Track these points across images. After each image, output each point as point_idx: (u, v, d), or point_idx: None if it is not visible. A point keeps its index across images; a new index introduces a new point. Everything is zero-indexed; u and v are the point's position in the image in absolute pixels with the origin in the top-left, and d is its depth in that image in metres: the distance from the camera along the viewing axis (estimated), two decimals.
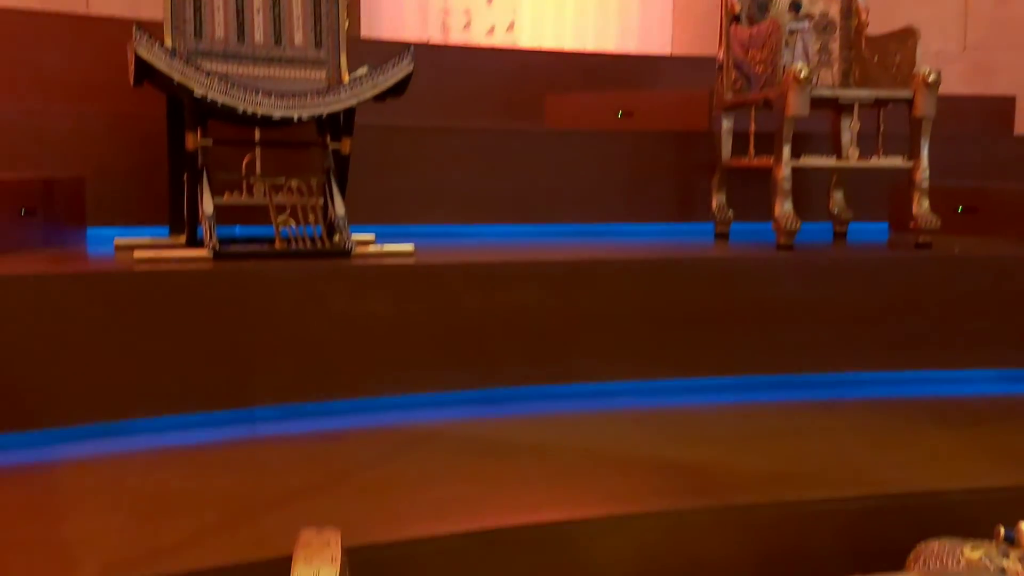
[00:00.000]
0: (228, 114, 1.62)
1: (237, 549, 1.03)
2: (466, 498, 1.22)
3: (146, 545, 1.04)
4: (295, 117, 1.66)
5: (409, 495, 1.23)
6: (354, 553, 1.03)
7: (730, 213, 2.23)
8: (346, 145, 1.78)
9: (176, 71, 1.56)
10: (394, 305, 1.62)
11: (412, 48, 1.74)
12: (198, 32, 1.74)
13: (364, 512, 1.16)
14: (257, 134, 1.86)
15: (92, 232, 1.91)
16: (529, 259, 1.78)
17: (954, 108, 2.46)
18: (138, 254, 1.60)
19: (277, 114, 1.63)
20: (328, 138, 1.77)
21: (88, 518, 1.12)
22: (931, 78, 1.92)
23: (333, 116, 1.74)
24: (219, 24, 1.76)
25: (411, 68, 1.72)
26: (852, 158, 2.13)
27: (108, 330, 1.42)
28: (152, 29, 1.62)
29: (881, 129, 2.11)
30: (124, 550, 1.03)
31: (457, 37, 3.59)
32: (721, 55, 2.18)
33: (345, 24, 1.86)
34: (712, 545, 1.19)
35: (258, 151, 1.86)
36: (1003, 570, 1.04)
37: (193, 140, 1.64)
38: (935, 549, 1.11)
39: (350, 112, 1.74)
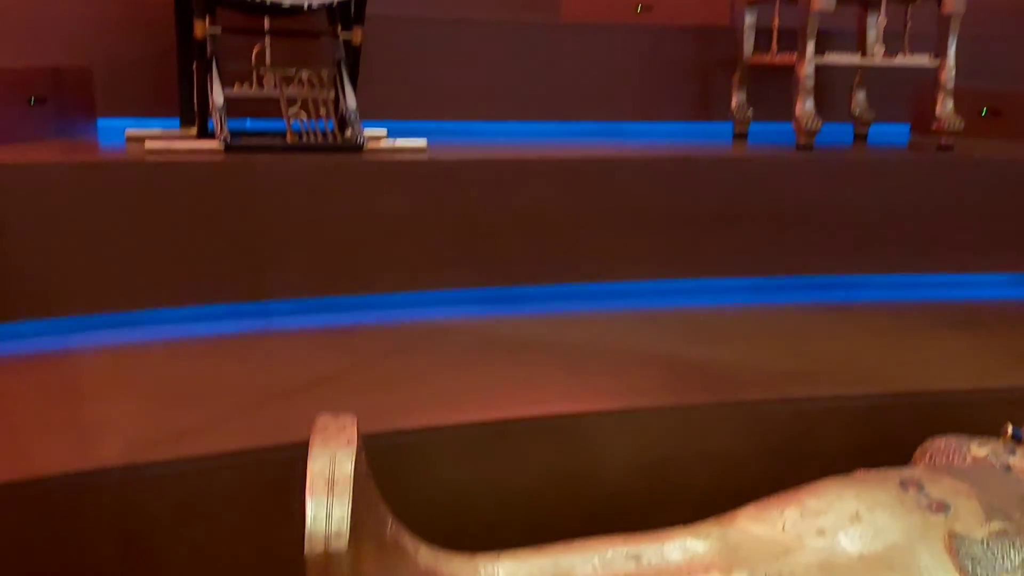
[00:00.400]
0: (237, 1, 1.58)
1: (255, 433, 1.05)
2: (479, 391, 1.24)
3: (167, 428, 1.06)
4: (305, 4, 1.62)
5: (422, 387, 1.24)
6: (369, 440, 1.06)
7: (750, 112, 2.19)
8: (357, 35, 1.73)
9: None
10: (406, 201, 1.60)
11: None
12: None
13: (378, 402, 1.18)
14: (267, 23, 1.82)
15: (102, 123, 1.89)
16: (543, 157, 1.76)
17: (985, 5, 2.37)
18: (149, 145, 1.58)
19: (287, 0, 1.59)
20: (339, 28, 1.73)
21: (109, 403, 1.15)
22: None
23: (344, 4, 1.69)
24: None
25: None
26: (877, 56, 2.06)
27: (121, 220, 1.42)
28: None
29: (908, 27, 2.04)
30: (145, 432, 1.05)
31: None
32: None
33: None
34: (720, 439, 1.21)
35: (268, 40, 1.82)
36: (1009, 467, 1.05)
37: (202, 28, 1.60)
38: (942, 446, 1.12)
39: (361, 0, 1.70)
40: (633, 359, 1.37)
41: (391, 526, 0.89)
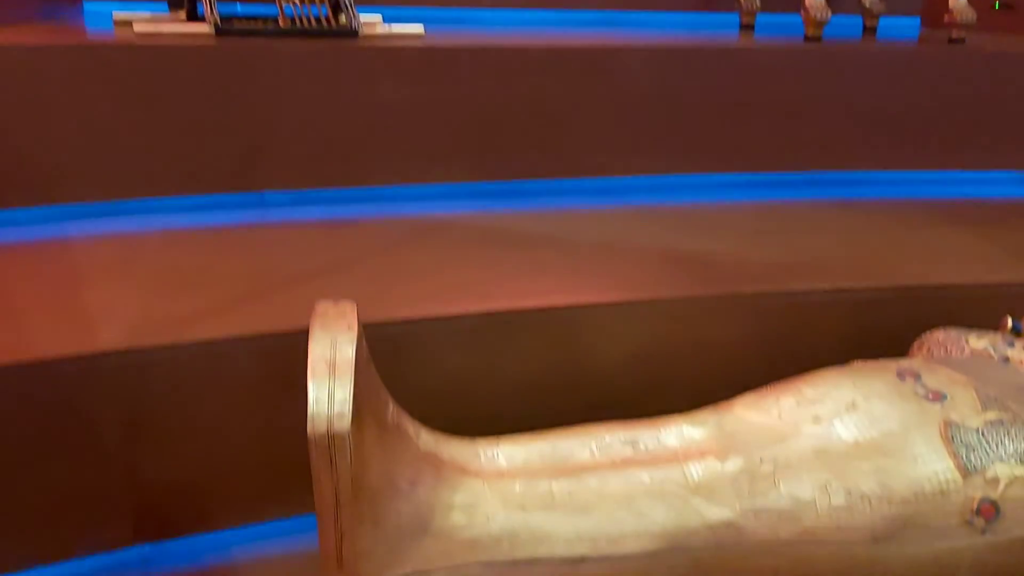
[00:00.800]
0: None
1: (255, 320, 1.05)
2: (478, 283, 1.23)
3: (166, 314, 1.06)
4: None
5: (421, 279, 1.24)
6: (369, 329, 1.06)
7: (757, 3, 2.11)
8: None
9: None
10: (403, 90, 1.56)
11: None
12: None
13: (377, 293, 1.17)
14: None
15: (88, 7, 1.82)
16: (544, 46, 1.70)
17: None
18: (137, 28, 1.53)
19: None
20: None
21: (106, 290, 1.14)
22: None
23: None
24: None
25: None
26: None
27: (111, 105, 1.38)
28: None
29: None
30: (145, 318, 1.05)
31: None
32: None
33: None
34: (718, 330, 1.22)
35: None
36: (1007, 359, 1.06)
37: None
38: (940, 338, 1.13)
39: None
40: (633, 253, 1.36)
41: (392, 410, 0.90)
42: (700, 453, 0.94)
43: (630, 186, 1.68)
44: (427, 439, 0.93)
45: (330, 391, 0.77)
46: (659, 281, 1.26)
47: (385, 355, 1.08)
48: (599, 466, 0.94)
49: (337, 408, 0.77)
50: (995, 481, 0.89)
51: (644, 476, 0.91)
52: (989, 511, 0.88)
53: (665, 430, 0.99)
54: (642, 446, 0.97)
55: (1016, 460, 0.90)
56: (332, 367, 0.79)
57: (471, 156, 1.59)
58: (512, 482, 0.90)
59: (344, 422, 0.76)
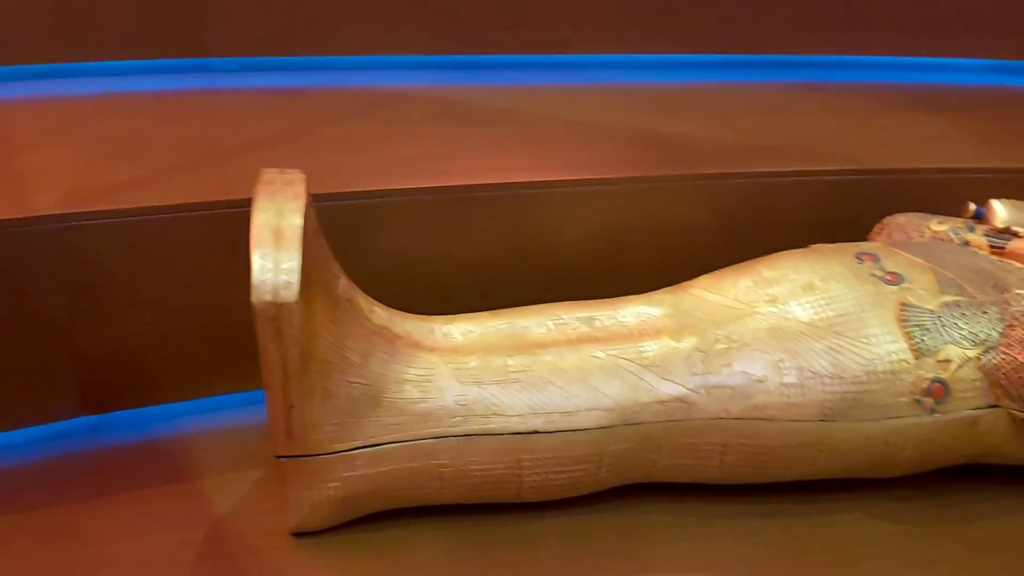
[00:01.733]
0: None
1: (199, 189, 1.00)
2: (436, 158, 1.19)
3: (105, 181, 1.01)
4: None
5: (377, 151, 1.19)
6: (320, 201, 1.02)
7: None
8: None
9: None
10: None
11: None
12: None
13: (330, 164, 1.13)
14: None
15: None
16: None
17: None
18: None
19: None
20: None
21: (44, 155, 1.08)
22: None
23: None
24: None
25: None
26: None
27: None
28: None
29: None
30: (83, 184, 1.00)
31: None
32: None
33: None
34: (679, 210, 1.19)
35: None
36: (967, 243, 1.06)
37: None
38: (901, 222, 1.12)
39: None
40: (597, 131, 1.32)
41: (344, 284, 0.88)
42: (656, 331, 0.94)
43: (595, 63, 1.62)
44: (380, 314, 0.91)
45: (276, 260, 0.74)
46: (621, 160, 1.22)
47: (337, 229, 1.05)
48: (555, 343, 0.93)
49: (284, 277, 0.74)
50: (947, 362, 0.90)
51: (599, 353, 0.91)
52: (939, 391, 0.90)
53: (622, 309, 0.98)
54: (599, 324, 0.96)
55: (968, 342, 0.90)
56: (278, 235, 0.76)
57: (430, 26, 1.52)
58: (467, 357, 0.89)
59: (291, 291, 0.74)
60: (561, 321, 0.96)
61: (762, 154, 1.27)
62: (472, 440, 0.85)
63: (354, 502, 0.87)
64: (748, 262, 1.02)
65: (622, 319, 0.97)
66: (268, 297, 0.74)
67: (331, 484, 0.85)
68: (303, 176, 0.83)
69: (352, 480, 0.85)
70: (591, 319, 0.96)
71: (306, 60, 1.48)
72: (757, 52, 1.69)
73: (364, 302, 0.90)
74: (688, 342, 0.92)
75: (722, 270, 1.02)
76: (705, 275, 1.02)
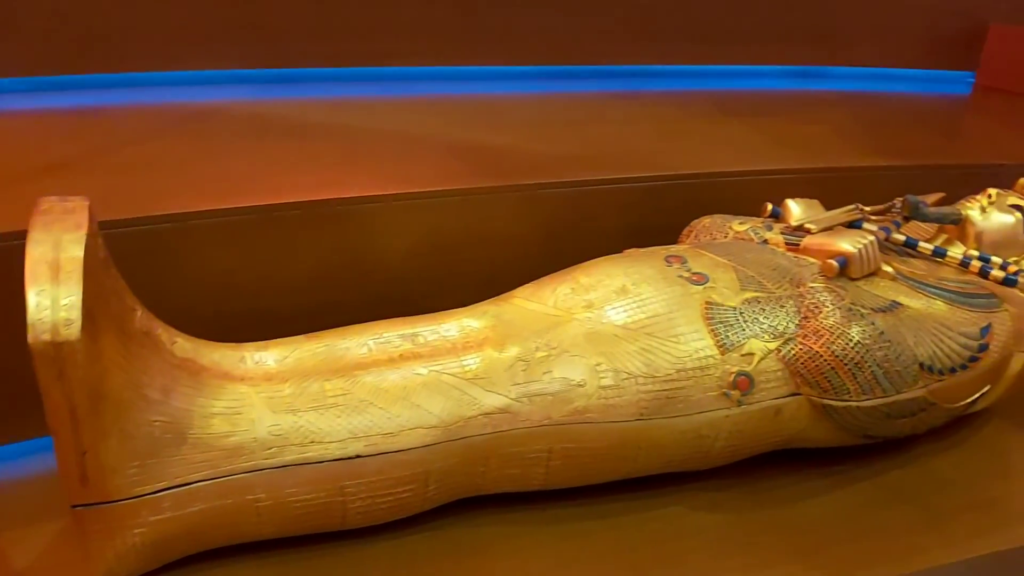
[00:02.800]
0: None
1: None
2: (246, 176, 1.14)
3: None
4: None
5: (182, 171, 1.13)
6: (119, 227, 0.96)
7: None
8: None
9: None
10: None
11: None
12: None
13: (129, 187, 1.06)
14: None
15: None
16: None
17: None
18: None
19: None
20: None
21: None
22: None
23: None
24: None
25: None
26: None
27: None
28: None
29: None
30: None
31: None
32: None
33: None
34: (498, 221, 1.20)
35: None
36: (766, 241, 1.12)
37: None
38: (707, 224, 1.17)
39: None
40: (415, 144, 1.31)
41: (141, 316, 0.82)
42: (478, 344, 0.93)
43: (413, 75, 1.62)
44: (184, 346, 0.86)
45: (54, 296, 0.68)
46: (440, 172, 1.22)
47: (139, 256, 0.99)
48: (376, 362, 0.91)
49: (63, 314, 0.68)
50: (750, 356, 0.94)
51: (422, 369, 0.90)
52: (744, 383, 0.94)
53: (446, 323, 0.97)
54: (421, 339, 0.95)
55: (769, 335, 0.95)
56: (56, 269, 0.70)
57: (244, 40, 1.47)
58: (282, 385, 0.86)
59: (72, 329, 0.68)
60: (382, 340, 0.94)
61: (579, 163, 1.31)
62: (290, 471, 0.82)
63: (164, 547, 0.82)
64: (567, 270, 1.04)
65: (445, 333, 0.96)
66: (47, 337, 0.68)
67: (136, 531, 0.79)
68: (86, 203, 0.77)
69: (159, 524, 0.80)
70: (414, 335, 0.95)
71: (105, 78, 1.40)
72: (571, 63, 1.74)
73: (165, 334, 0.85)
74: (510, 352, 0.92)
75: (542, 279, 1.04)
76: (526, 285, 1.04)
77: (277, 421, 0.82)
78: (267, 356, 0.90)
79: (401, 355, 0.92)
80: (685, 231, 1.19)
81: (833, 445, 1.04)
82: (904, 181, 1.32)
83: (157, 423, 0.78)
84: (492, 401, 0.89)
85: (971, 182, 1.22)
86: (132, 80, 1.41)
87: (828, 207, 1.15)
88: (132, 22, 1.39)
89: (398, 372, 0.89)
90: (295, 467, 0.82)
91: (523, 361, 0.91)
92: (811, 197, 1.17)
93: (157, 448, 0.78)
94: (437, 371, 0.89)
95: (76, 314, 0.68)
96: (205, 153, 1.20)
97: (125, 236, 0.97)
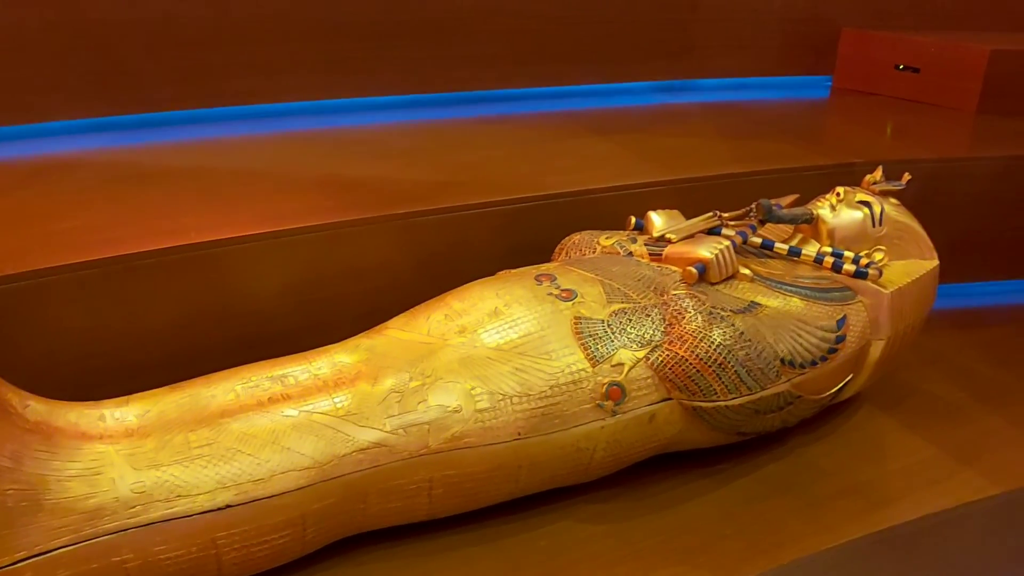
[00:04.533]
0: None
1: None
2: (106, 226, 1.11)
3: None
4: None
5: (35, 228, 1.09)
6: None
7: None
8: None
9: None
10: (12, 18, 1.35)
11: None
12: None
13: None
14: None
15: None
16: None
17: None
18: None
19: None
20: None
21: None
22: None
23: None
24: None
25: None
26: None
27: None
28: None
29: None
30: None
31: None
32: None
33: None
34: (373, 254, 1.20)
35: None
36: (631, 253, 1.15)
37: None
38: (576, 240, 1.20)
39: None
40: (281, 181, 1.30)
41: None
42: (351, 379, 0.93)
43: (282, 111, 1.60)
44: (37, 408, 0.83)
45: None
46: (309, 208, 1.21)
47: None
48: (244, 408, 0.89)
49: None
50: (620, 366, 0.96)
51: (291, 411, 0.88)
52: (616, 393, 0.96)
53: (317, 361, 0.96)
54: (291, 381, 0.94)
55: (636, 344, 0.98)
56: None
57: (94, 90, 1.42)
58: (143, 440, 0.83)
59: None
60: (251, 384, 0.93)
61: (451, 189, 1.31)
62: (156, 528, 0.79)
63: None
64: (440, 296, 1.05)
65: (317, 371, 0.95)
66: None
67: None
68: None
69: None
70: (283, 377, 0.94)
71: None
72: (442, 91, 1.76)
73: (15, 397, 0.81)
74: (384, 384, 0.91)
75: (416, 308, 1.04)
76: (400, 315, 1.03)
77: (140, 478, 0.80)
78: (127, 412, 0.87)
79: (270, 398, 0.91)
80: (557, 249, 1.21)
81: (710, 445, 1.07)
82: (764, 186, 1.37)
83: (10, 492, 0.75)
84: (366, 436, 0.88)
85: (827, 181, 1.28)
86: None
87: (693, 215, 1.19)
88: None
89: (267, 416, 0.87)
90: (162, 523, 0.79)
91: (397, 392, 0.91)
92: (677, 207, 1.21)
93: (12, 517, 0.75)
94: (308, 411, 0.88)
95: None
96: (60, 206, 1.16)
97: None
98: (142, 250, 1.05)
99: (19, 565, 0.75)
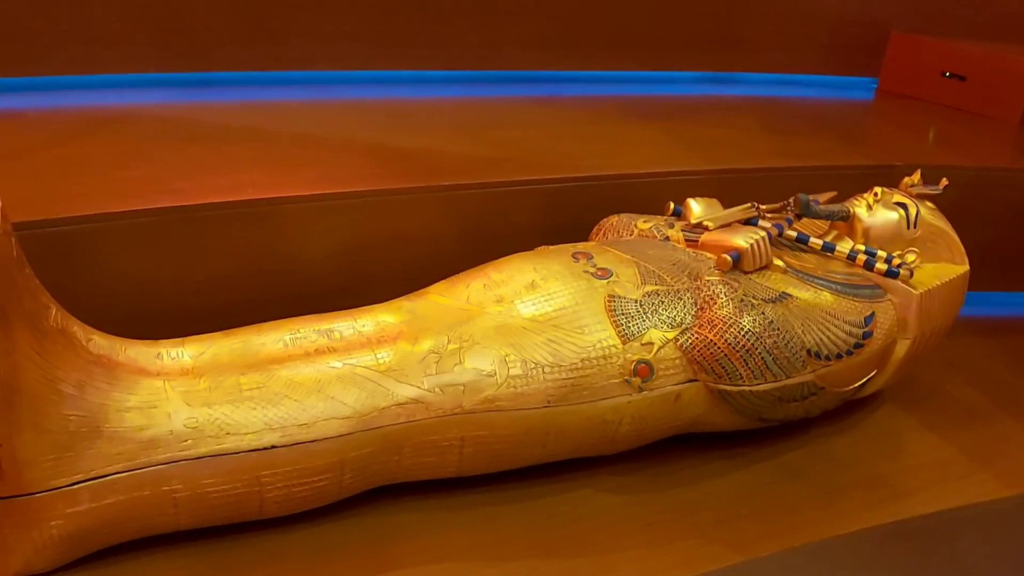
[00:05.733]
0: None
1: None
2: (164, 179, 1.16)
3: None
4: None
5: (99, 174, 1.14)
6: (34, 227, 0.97)
7: None
8: None
9: None
10: None
11: None
12: None
13: (45, 189, 1.07)
14: None
15: None
16: None
17: None
18: None
19: None
20: None
21: None
22: None
23: None
24: None
25: None
26: None
27: None
28: None
29: None
30: None
31: None
32: None
33: None
34: (418, 223, 1.24)
35: None
36: (667, 237, 1.18)
37: None
38: (614, 222, 1.23)
39: None
40: (336, 148, 1.34)
41: (56, 315, 0.84)
42: (392, 338, 0.97)
43: (335, 78, 1.65)
44: (100, 343, 0.88)
45: None
46: (360, 174, 1.25)
47: (56, 258, 1.01)
48: (291, 357, 0.94)
49: None
50: (650, 345, 1.00)
51: (336, 363, 0.93)
52: (644, 371, 0.99)
53: (362, 319, 1.01)
54: (337, 334, 0.98)
55: (667, 325, 1.01)
56: None
57: (159, 44, 1.47)
58: (197, 379, 0.88)
59: None
60: (298, 335, 0.97)
61: (494, 165, 1.35)
62: (205, 462, 0.84)
63: (81, 539, 0.83)
64: (480, 266, 1.08)
65: (360, 328, 0.99)
66: None
67: (53, 523, 0.81)
68: None
69: (76, 516, 0.81)
70: (329, 331, 0.98)
71: (18, 81, 1.39)
72: (492, 68, 1.79)
73: (80, 331, 0.86)
74: (423, 345, 0.96)
75: (456, 275, 1.08)
76: (441, 281, 1.08)
77: (193, 414, 0.85)
78: (183, 352, 0.92)
79: (316, 350, 0.95)
80: (595, 229, 1.24)
81: (732, 429, 1.10)
82: (803, 181, 1.39)
83: (72, 417, 0.80)
84: (405, 392, 0.92)
85: (866, 182, 1.29)
86: (47, 83, 1.41)
87: (730, 206, 1.21)
88: (47, 26, 1.39)
89: (313, 366, 0.92)
90: (211, 458, 0.85)
91: (435, 353, 0.95)
92: (714, 196, 1.24)
93: (72, 441, 0.80)
94: (352, 364, 0.93)
95: None
96: (122, 156, 1.21)
97: (40, 237, 0.98)
98: (199, 202, 1.10)
99: (76, 487, 0.81)
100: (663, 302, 1.03)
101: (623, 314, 1.00)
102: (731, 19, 1.99)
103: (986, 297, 1.58)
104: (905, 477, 1.14)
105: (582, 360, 0.97)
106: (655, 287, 1.04)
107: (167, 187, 1.12)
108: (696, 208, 1.19)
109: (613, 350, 0.98)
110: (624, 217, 1.22)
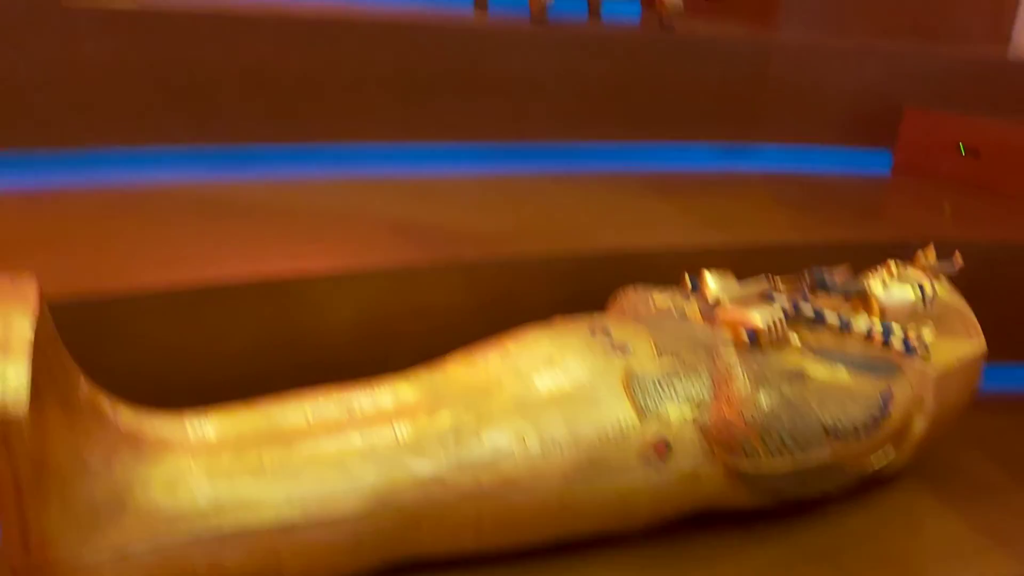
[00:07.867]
0: None
1: None
2: (194, 256, 1.19)
3: None
4: None
5: (131, 251, 1.18)
6: (67, 303, 1.00)
7: None
8: None
9: None
10: (112, 51, 1.46)
11: None
12: None
13: (77, 266, 1.10)
14: None
15: None
16: (269, 12, 1.66)
17: None
18: None
19: None
20: None
21: None
22: None
23: None
24: None
25: None
26: None
27: None
28: None
29: None
30: None
31: None
32: None
33: None
34: (438, 296, 1.26)
35: None
36: (684, 313, 1.19)
37: None
38: (631, 296, 1.25)
39: None
40: (358, 222, 1.38)
41: (85, 389, 0.86)
42: (411, 411, 0.98)
43: (358, 154, 1.69)
44: (127, 416, 0.90)
45: (2, 373, 0.72)
46: (382, 250, 1.28)
47: (86, 330, 1.03)
48: (313, 431, 0.95)
49: (12, 394, 0.72)
50: (667, 422, 1.01)
51: (356, 438, 0.94)
52: (663, 448, 1.00)
53: (379, 390, 1.02)
54: (356, 408, 1.00)
55: (684, 401, 1.02)
56: (5, 346, 0.74)
57: (190, 121, 1.53)
58: (220, 454, 0.90)
59: (20, 408, 0.72)
60: (319, 408, 0.99)
61: (512, 238, 1.38)
62: (227, 539, 0.85)
63: None
64: (497, 338, 1.10)
65: (379, 401, 1.01)
66: None
67: None
68: (34, 280, 0.82)
69: None
70: (349, 403, 1.00)
71: (49, 156, 1.44)
72: (514, 141, 1.83)
73: (108, 405, 0.88)
74: (441, 418, 0.97)
75: (474, 346, 1.09)
76: (458, 352, 1.09)
77: (215, 489, 0.86)
78: (207, 424, 0.94)
79: (337, 423, 0.97)
80: (611, 301, 1.26)
81: (750, 507, 1.10)
82: (818, 256, 1.41)
83: (98, 492, 0.82)
84: (423, 469, 0.93)
85: (881, 257, 1.31)
86: (78, 160, 1.46)
87: (744, 278, 1.23)
88: (78, 99, 1.44)
89: (333, 440, 0.93)
90: (233, 535, 0.86)
91: (453, 428, 0.96)
92: (730, 269, 1.25)
93: (97, 516, 0.82)
94: (371, 439, 0.94)
95: (24, 393, 0.72)
96: (154, 232, 1.24)
97: (70, 308, 1.00)
98: (225, 278, 1.13)
99: (101, 563, 0.82)
100: (680, 377, 1.03)
101: (640, 390, 1.01)
102: (749, 92, 2.04)
103: (1003, 372, 1.57)
104: (922, 556, 1.13)
105: (599, 437, 0.98)
106: (672, 362, 1.05)
107: (194, 263, 1.16)
108: (713, 282, 1.20)
109: (630, 427, 0.99)
110: (641, 290, 1.24)
